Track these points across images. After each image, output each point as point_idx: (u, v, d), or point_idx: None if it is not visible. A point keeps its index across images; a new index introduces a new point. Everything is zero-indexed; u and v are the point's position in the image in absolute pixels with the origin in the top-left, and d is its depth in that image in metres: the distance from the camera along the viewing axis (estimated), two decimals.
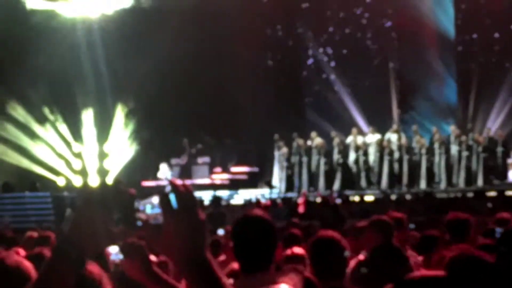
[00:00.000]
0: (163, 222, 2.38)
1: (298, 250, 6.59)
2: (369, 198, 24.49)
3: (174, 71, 26.71)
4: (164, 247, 2.37)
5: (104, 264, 2.63)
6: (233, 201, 24.87)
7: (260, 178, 27.75)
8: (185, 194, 2.39)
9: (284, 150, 26.64)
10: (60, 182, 27.24)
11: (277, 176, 26.97)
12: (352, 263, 6.16)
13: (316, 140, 26.53)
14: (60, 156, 27.58)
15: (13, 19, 26.08)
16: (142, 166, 27.27)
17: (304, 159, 26.43)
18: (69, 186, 27.06)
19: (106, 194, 2.44)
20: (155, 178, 25.97)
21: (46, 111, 27.19)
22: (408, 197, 24.02)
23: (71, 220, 2.48)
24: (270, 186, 26.62)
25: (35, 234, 9.92)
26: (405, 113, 29.62)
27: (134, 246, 3.20)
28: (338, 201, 23.11)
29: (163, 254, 2.42)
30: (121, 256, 3.33)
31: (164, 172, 25.74)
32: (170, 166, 26.46)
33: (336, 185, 26.04)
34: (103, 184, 2.48)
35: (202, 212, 2.41)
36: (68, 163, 27.67)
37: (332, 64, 30.33)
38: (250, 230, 4.25)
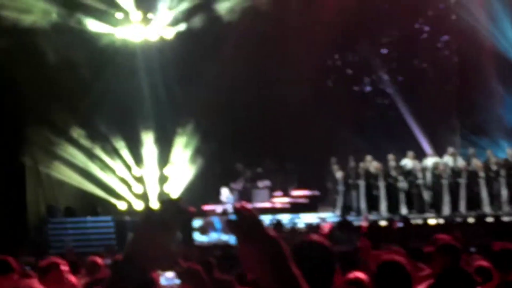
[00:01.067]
0: (237, 246, 2.40)
1: (360, 274, 6.53)
2: (432, 221, 24.22)
3: (233, 94, 26.81)
4: (249, 268, 2.38)
5: None
6: (295, 225, 24.77)
7: (321, 202, 27.60)
8: (249, 216, 2.40)
9: (340, 173, 26.49)
10: (122, 206, 27.44)
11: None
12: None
13: (373, 164, 26.36)
14: (122, 180, 27.79)
15: (76, 44, 26.44)
16: (202, 190, 27.35)
17: (362, 182, 26.26)
18: (130, 210, 27.24)
19: (167, 213, 2.43)
20: (215, 201, 25.99)
21: (108, 135, 27.43)
22: (471, 220, 23.69)
23: (131, 240, 2.49)
24: (347, 210, 26.32)
25: (97, 258, 10.01)
26: (465, 135, 29.28)
27: (191, 271, 3.18)
28: (400, 224, 22.89)
29: (251, 274, 2.43)
30: (177, 281, 3.31)
31: (226, 196, 25.78)
32: (231, 190, 26.49)
33: (398, 208, 25.81)
34: (164, 203, 2.48)
35: (271, 230, 2.41)
36: (129, 187, 27.86)
37: (391, 89, 30.12)
38: (308, 255, 4.26)
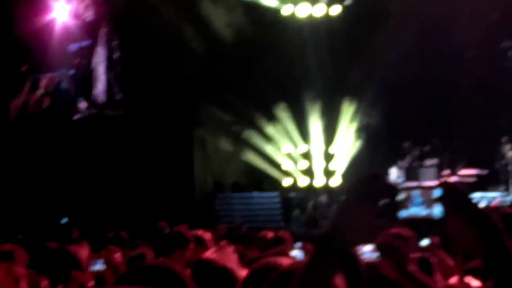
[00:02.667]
0: (447, 220, 2.42)
1: None
2: None
3: (400, 70, 26.38)
4: (459, 241, 2.35)
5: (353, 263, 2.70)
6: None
7: (489, 181, 26.80)
8: (459, 190, 2.42)
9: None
10: (286, 182, 27.56)
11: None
12: None
13: None
14: (287, 155, 27.87)
15: (246, 18, 26.77)
16: (368, 168, 27.12)
17: None
18: (295, 186, 27.34)
19: (373, 186, 2.51)
20: None
21: (276, 110, 27.57)
22: None
23: (334, 212, 2.57)
24: None
25: (269, 233, 10.03)
26: None
27: (391, 246, 3.11)
28: None
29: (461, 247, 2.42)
30: (375, 255, 3.27)
31: (396, 175, 25.39)
32: (398, 168, 26.07)
33: None
34: (368, 177, 2.58)
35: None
36: (295, 163, 27.91)
37: None
38: None
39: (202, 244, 8.66)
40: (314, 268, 2.39)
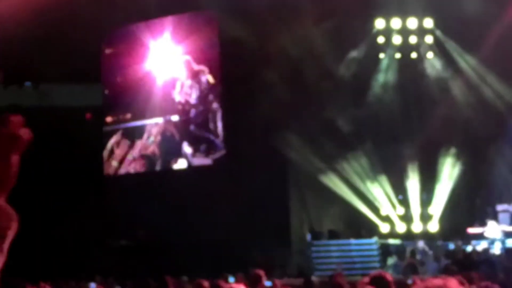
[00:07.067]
0: None
1: None
2: None
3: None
4: None
5: None
6: None
7: None
8: None
9: None
10: (384, 228, 27.12)
11: None
12: None
13: None
14: (387, 200, 27.36)
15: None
16: (467, 211, 26.55)
17: None
18: (393, 232, 26.89)
19: None
20: (481, 224, 24.75)
21: (372, 155, 27.28)
22: None
23: None
24: None
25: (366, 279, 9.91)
26: None
27: None
28: None
29: None
30: None
31: (493, 230, 24.32)
32: (495, 215, 24.96)
33: None
34: None
35: None
36: (393, 208, 27.34)
37: None
38: None
39: None
40: None
